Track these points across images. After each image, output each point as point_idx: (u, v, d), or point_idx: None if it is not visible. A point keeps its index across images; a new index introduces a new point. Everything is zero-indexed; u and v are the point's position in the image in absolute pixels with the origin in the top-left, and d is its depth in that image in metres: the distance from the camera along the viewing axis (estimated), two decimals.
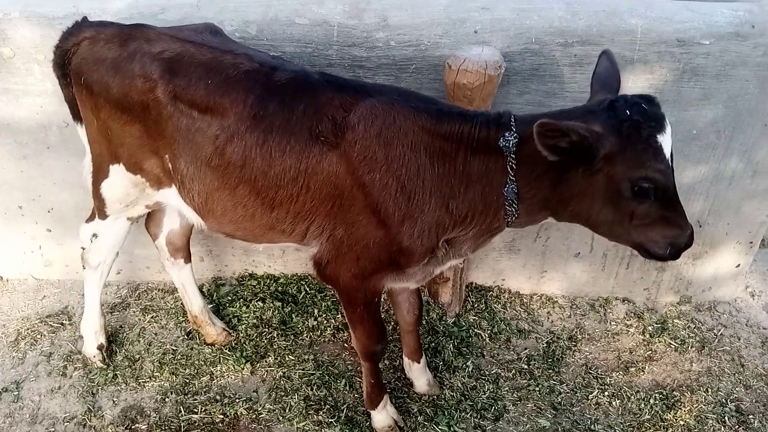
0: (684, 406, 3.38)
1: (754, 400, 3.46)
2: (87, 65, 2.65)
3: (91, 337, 3.43)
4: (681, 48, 3.11)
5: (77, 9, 3.12)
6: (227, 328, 3.63)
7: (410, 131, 2.37)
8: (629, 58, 3.13)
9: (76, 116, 2.91)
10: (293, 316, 3.76)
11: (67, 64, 2.73)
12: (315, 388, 3.36)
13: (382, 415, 3.15)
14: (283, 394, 3.33)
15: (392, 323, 3.71)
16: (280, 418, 3.22)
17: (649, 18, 3.12)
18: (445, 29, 3.09)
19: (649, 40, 3.10)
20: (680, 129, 3.35)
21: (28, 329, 3.68)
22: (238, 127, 2.47)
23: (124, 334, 3.67)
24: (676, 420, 3.31)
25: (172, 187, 2.79)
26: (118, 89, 2.59)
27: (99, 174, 2.92)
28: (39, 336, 3.65)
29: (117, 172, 2.83)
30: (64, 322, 3.74)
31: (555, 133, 2.07)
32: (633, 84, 3.20)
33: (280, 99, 2.45)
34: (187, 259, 3.42)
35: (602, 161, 2.17)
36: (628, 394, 3.43)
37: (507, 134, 2.30)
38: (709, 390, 3.48)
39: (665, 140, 2.16)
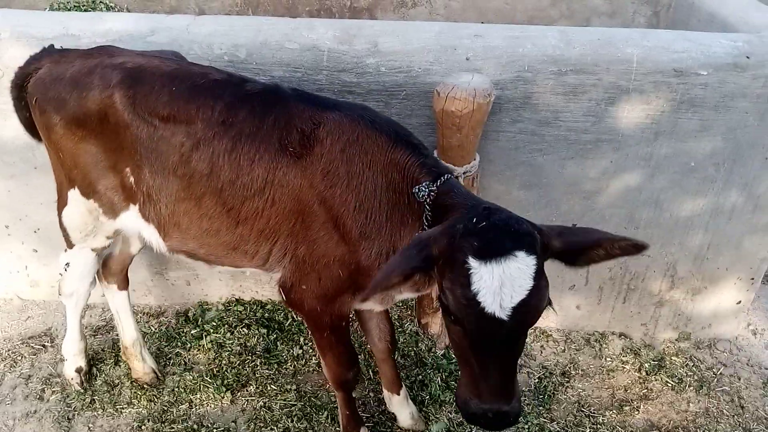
0: None
1: None
2: (43, 85, 2.60)
3: (70, 360, 3.36)
4: (678, 78, 3.04)
5: (67, 30, 3.11)
6: (157, 370, 3.46)
7: (370, 150, 2.35)
8: (625, 87, 3.06)
9: (35, 136, 2.87)
10: (278, 343, 3.67)
11: (24, 86, 2.70)
12: (296, 419, 3.25)
13: None
14: (262, 425, 3.23)
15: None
16: None
17: (645, 47, 3.05)
18: (436, 56, 3.04)
19: (645, 69, 3.03)
20: (677, 161, 3.27)
21: (9, 350, 3.62)
22: (205, 134, 2.42)
23: (105, 358, 3.59)
24: None
25: (130, 209, 2.70)
26: (74, 103, 2.52)
27: (60, 202, 2.87)
28: (19, 358, 3.58)
29: (73, 198, 2.77)
30: (45, 344, 3.67)
31: (381, 290, 1.94)
32: (629, 114, 3.13)
33: (251, 107, 2.42)
34: (122, 286, 3.32)
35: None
36: None
37: (423, 186, 2.21)
38: None
39: (489, 273, 1.77)
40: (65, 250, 3.03)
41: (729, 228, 3.48)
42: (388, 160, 2.32)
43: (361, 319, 3.04)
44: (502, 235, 1.83)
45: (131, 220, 2.72)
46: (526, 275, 1.80)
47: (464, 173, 3.01)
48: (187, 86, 2.45)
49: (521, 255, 1.80)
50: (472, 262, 1.79)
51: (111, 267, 3.26)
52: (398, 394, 3.19)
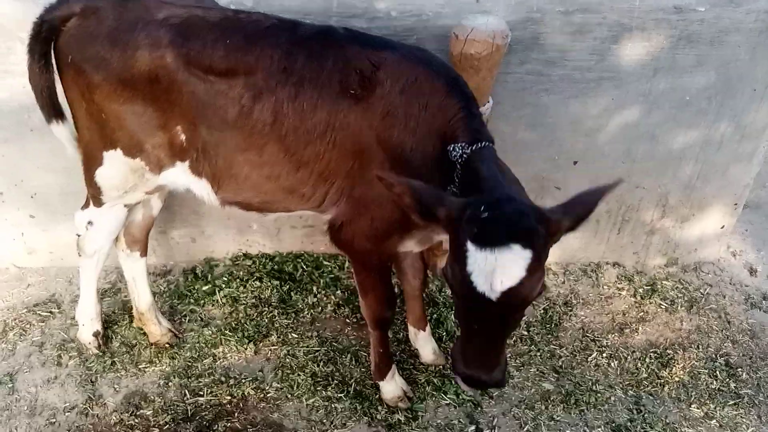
0: (678, 364, 3.51)
1: (741, 354, 3.62)
2: (78, 42, 2.46)
3: (87, 324, 3.31)
4: (678, 15, 3.14)
5: None
6: (174, 329, 3.47)
7: (426, 92, 2.40)
8: (627, 25, 3.14)
9: (51, 114, 2.70)
10: (292, 294, 3.72)
11: (54, 42, 2.51)
12: (321, 364, 3.34)
13: (391, 385, 3.17)
14: (289, 372, 3.30)
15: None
16: (289, 396, 3.20)
17: None
18: None
19: (647, 7, 3.11)
20: (673, 96, 3.41)
21: (15, 319, 3.53)
22: (267, 84, 2.41)
23: (117, 320, 3.56)
24: (671, 377, 3.44)
25: (176, 166, 2.66)
26: (118, 63, 2.42)
27: (91, 162, 2.75)
28: (28, 326, 3.50)
29: (113, 158, 2.67)
30: (53, 310, 3.60)
31: (390, 187, 2.06)
32: (630, 51, 3.23)
33: (308, 52, 2.42)
34: (144, 252, 3.28)
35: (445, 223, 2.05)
36: (625, 355, 3.54)
37: (458, 146, 2.27)
38: (700, 347, 3.62)
39: (483, 258, 1.88)
40: (83, 209, 2.95)
41: (717, 157, 3.69)
42: (440, 105, 2.36)
43: (396, 259, 3.11)
44: (502, 227, 1.92)
45: (177, 175, 2.68)
46: (518, 266, 1.90)
47: None
48: (241, 37, 2.40)
49: (516, 248, 1.89)
50: (470, 246, 1.92)
51: (134, 234, 3.20)
52: (424, 331, 3.32)
